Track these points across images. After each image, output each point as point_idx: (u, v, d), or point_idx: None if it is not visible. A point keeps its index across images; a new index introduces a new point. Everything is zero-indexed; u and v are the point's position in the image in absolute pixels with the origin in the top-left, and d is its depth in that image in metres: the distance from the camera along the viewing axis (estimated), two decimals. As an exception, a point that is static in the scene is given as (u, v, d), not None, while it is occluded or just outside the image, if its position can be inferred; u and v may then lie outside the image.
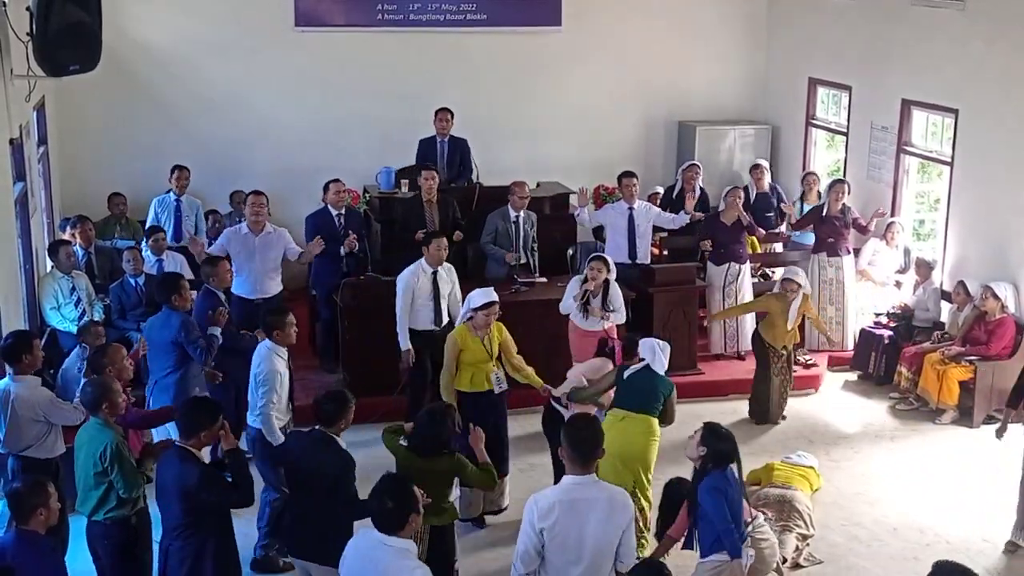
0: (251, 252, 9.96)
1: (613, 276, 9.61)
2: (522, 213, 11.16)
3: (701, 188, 12.65)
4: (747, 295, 11.62)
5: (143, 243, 11.36)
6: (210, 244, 10.46)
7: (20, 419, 7.02)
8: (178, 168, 12.26)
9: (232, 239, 10.02)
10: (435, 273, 9.47)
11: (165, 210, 12.15)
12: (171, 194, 12.21)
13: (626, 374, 8.02)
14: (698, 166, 12.79)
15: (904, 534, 8.43)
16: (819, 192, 12.70)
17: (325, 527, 6.26)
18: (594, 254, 9.99)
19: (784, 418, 10.48)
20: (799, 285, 10.23)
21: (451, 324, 9.56)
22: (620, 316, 9.62)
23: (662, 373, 7.99)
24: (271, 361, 7.56)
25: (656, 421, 7.88)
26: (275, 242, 10.10)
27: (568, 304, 9.58)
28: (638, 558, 6.09)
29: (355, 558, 5.15)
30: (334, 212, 10.91)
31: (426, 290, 9.48)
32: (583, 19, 14.02)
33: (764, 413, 10.40)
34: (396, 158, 12.53)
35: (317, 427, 6.41)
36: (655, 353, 7.99)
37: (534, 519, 5.28)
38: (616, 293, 9.57)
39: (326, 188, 11.02)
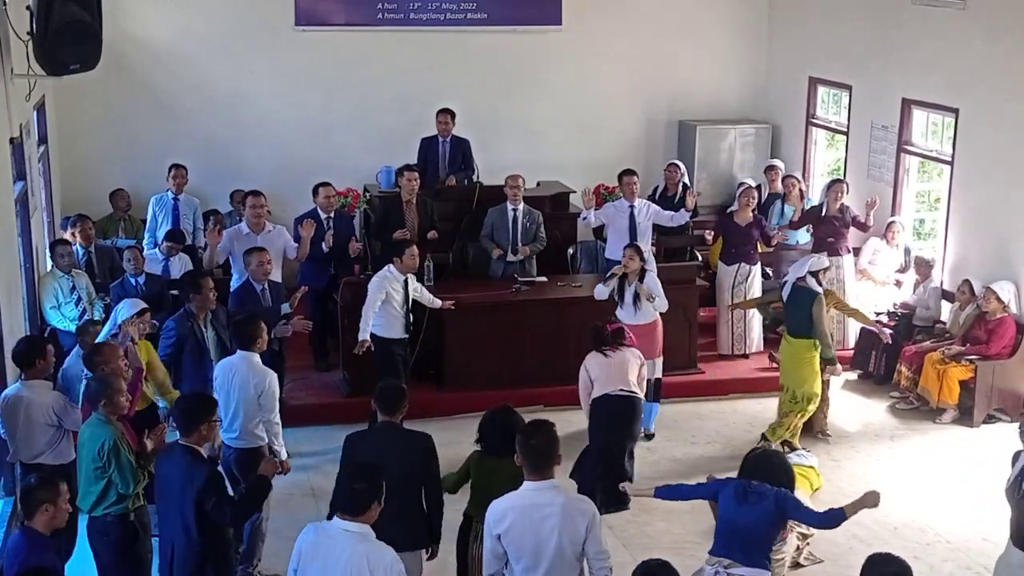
0: None
1: (652, 268, 9.68)
2: (521, 207, 11.16)
3: (686, 184, 12.65)
4: (756, 295, 11.59)
5: (144, 242, 11.31)
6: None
7: (34, 424, 7.03)
8: (175, 167, 12.15)
9: (234, 240, 10.03)
10: (406, 280, 9.48)
11: (163, 209, 12.06)
12: (168, 193, 12.13)
13: (783, 294, 9.08)
14: (677, 164, 12.78)
15: (904, 534, 8.44)
16: (801, 191, 12.67)
17: (405, 512, 6.19)
18: (628, 243, 10.02)
19: (826, 433, 10.05)
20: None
21: (417, 328, 9.71)
22: (662, 304, 9.59)
23: (795, 278, 8.98)
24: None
25: (806, 342, 8.94)
26: (275, 240, 10.11)
27: (599, 289, 9.68)
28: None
29: (313, 547, 5.12)
30: (323, 215, 10.88)
31: (400, 298, 9.43)
32: (583, 19, 14.01)
33: (809, 421, 9.93)
34: (396, 157, 12.50)
35: (381, 419, 6.44)
36: (792, 266, 8.98)
37: (490, 525, 5.40)
38: (653, 282, 9.59)
39: (315, 191, 10.98)
